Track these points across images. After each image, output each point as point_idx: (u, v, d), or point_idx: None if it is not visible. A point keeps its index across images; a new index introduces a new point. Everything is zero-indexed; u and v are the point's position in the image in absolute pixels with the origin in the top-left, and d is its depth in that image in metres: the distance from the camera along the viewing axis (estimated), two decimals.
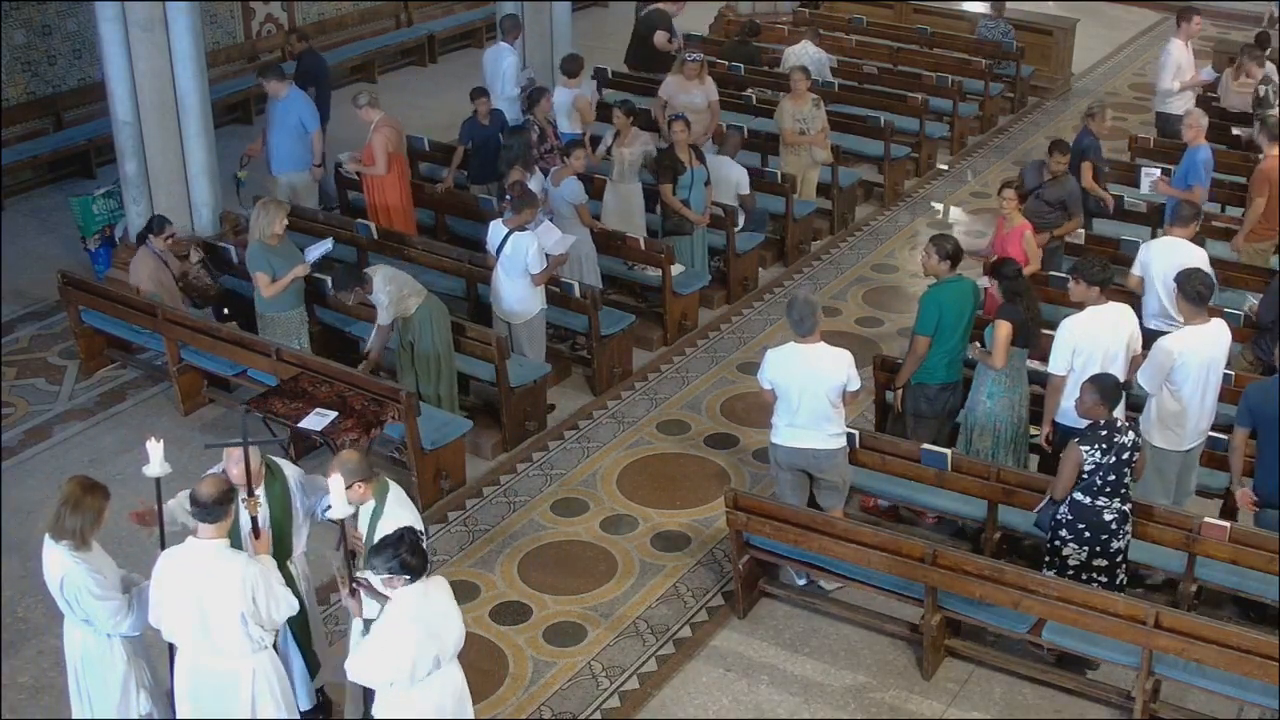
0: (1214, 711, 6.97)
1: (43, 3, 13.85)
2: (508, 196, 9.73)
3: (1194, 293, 7.74)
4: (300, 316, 9.60)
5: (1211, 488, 8.22)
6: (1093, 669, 7.30)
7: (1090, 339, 7.76)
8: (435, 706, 5.76)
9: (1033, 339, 8.20)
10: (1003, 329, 7.99)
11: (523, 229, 9.39)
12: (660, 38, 14.29)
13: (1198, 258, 8.68)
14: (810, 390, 7.51)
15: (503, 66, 12.80)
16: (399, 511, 6.27)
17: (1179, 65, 13.04)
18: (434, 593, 5.75)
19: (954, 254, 8.24)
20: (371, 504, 6.28)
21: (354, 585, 5.80)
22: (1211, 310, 7.97)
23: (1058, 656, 7.31)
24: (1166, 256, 8.86)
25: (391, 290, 8.81)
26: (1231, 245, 10.68)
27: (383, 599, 5.72)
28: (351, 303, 8.93)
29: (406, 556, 5.56)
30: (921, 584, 7.12)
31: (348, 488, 5.96)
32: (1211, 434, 7.94)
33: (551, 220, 10.16)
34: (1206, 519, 7.25)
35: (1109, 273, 7.93)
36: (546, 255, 9.44)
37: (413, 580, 5.61)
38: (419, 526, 6.15)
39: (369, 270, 8.97)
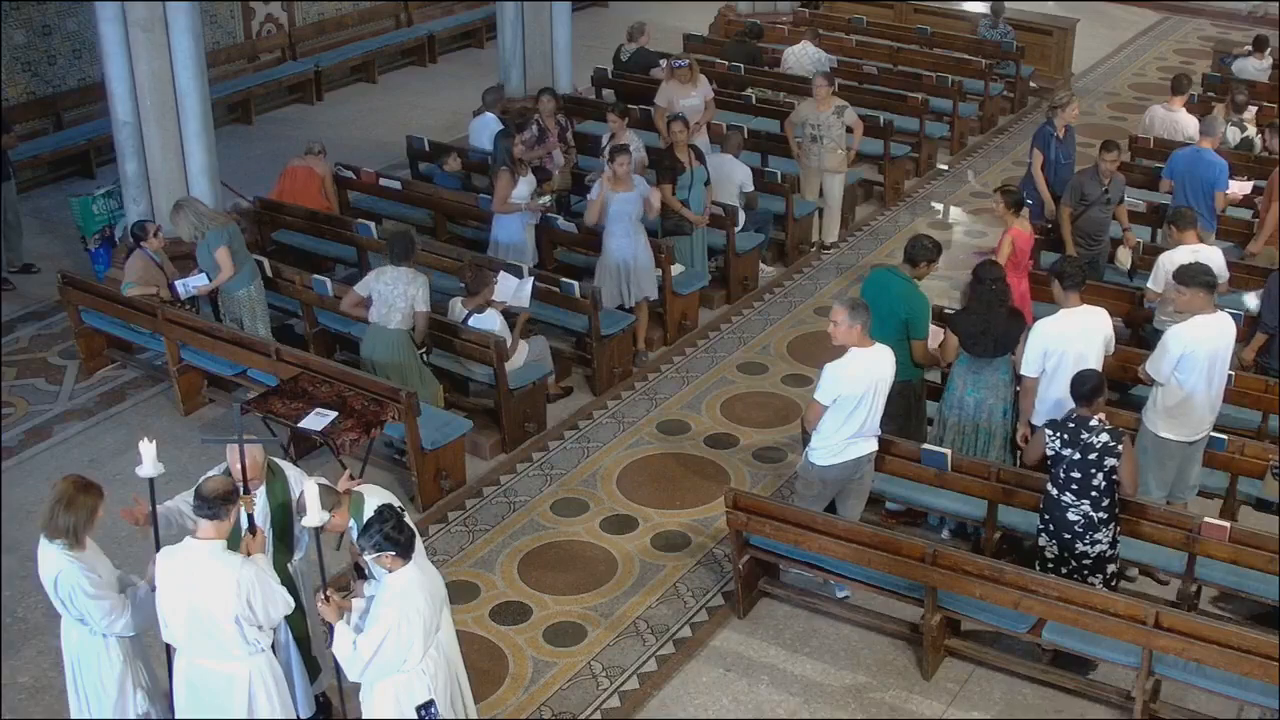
0: (1214, 711, 6.97)
1: (43, 3, 13.85)
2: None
3: (1203, 282, 7.77)
4: (259, 288, 9.77)
5: (1211, 488, 8.22)
6: (1093, 669, 7.30)
7: (1062, 341, 7.77)
8: (433, 678, 5.88)
9: (977, 349, 8.08)
10: (949, 338, 8.17)
11: (481, 310, 9.25)
12: (657, 71, 14.35)
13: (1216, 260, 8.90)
14: (872, 393, 7.40)
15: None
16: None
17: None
18: (420, 560, 5.86)
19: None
20: (351, 523, 6.27)
21: (325, 595, 5.85)
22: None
23: (1057, 656, 7.31)
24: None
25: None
26: (1248, 250, 10.64)
27: (366, 595, 5.80)
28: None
29: (390, 531, 5.64)
30: (921, 584, 7.13)
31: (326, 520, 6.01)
32: (1213, 434, 7.94)
33: (614, 228, 10.10)
34: (1206, 519, 7.25)
35: (1084, 277, 8.01)
36: (510, 326, 9.29)
37: (400, 555, 5.67)
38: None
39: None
